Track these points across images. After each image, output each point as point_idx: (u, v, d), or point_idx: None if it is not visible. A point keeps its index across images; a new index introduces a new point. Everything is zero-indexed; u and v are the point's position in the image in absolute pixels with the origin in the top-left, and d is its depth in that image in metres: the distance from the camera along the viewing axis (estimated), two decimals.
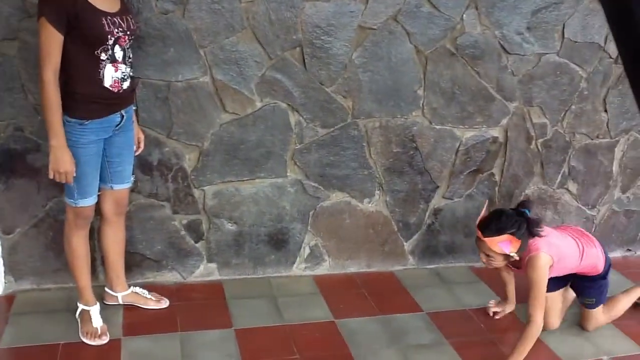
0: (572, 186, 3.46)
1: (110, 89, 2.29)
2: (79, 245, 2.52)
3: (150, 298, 2.81)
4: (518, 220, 2.49)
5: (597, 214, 3.56)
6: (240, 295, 2.96)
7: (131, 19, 2.32)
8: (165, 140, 2.77)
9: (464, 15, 2.94)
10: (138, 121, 2.64)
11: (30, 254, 2.79)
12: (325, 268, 3.21)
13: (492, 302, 2.96)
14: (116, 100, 2.35)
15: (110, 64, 2.26)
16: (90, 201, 2.44)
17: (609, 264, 2.76)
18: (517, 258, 2.52)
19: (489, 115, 3.17)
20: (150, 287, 2.86)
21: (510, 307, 2.94)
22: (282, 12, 2.70)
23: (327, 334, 2.71)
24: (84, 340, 2.53)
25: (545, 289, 2.51)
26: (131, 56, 2.35)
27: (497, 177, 3.31)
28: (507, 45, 3.05)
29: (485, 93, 3.12)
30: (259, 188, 2.97)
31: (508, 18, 3.00)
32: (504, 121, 3.20)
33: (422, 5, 2.87)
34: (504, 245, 2.47)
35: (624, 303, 2.92)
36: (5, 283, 2.80)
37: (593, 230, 3.55)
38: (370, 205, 3.16)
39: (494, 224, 2.50)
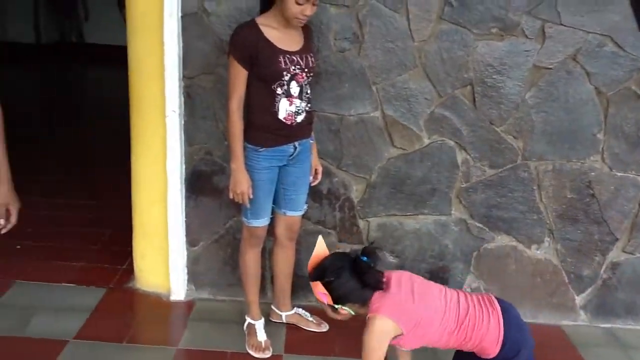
0: None
1: (284, 121, 2.49)
2: (250, 262, 2.74)
3: (312, 321, 2.94)
4: (340, 267, 2.06)
5: None
6: None
7: (311, 57, 2.51)
8: (335, 170, 2.93)
9: None
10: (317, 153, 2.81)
11: (210, 267, 3.09)
12: None
13: None
14: (289, 132, 2.53)
15: (285, 98, 2.46)
16: (261, 222, 2.65)
17: (512, 354, 2.04)
18: (351, 313, 2.11)
19: None
20: (313, 311, 3.00)
21: None
22: (454, 50, 2.76)
23: None
24: (250, 351, 2.72)
25: (376, 358, 2.01)
26: (309, 92, 2.54)
27: None
28: None
29: None
30: (422, 224, 3.00)
31: None
32: None
33: (604, 45, 2.75)
34: (321, 294, 2.06)
35: None
36: (187, 290, 3.12)
37: None
38: (538, 252, 3.02)
39: (316, 268, 2.13)
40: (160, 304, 3.09)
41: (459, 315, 2.06)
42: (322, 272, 2.09)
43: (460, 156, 2.91)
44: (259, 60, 2.39)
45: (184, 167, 2.95)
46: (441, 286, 2.17)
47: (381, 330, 2.01)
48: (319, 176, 2.80)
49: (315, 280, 2.08)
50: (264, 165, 2.54)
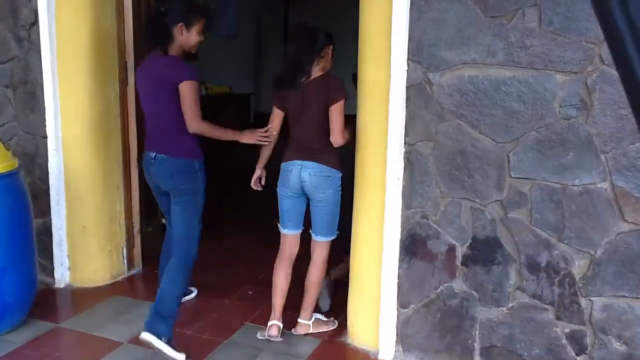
0: None
1: None
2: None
3: None
4: None
5: None
6: None
7: None
8: (555, 243, 2.78)
9: None
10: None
11: (418, 330, 3.09)
12: None
13: None
14: None
15: None
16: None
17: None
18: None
19: None
20: None
21: None
22: None
23: None
24: None
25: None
26: None
27: None
28: None
29: None
30: None
31: None
32: None
33: None
34: None
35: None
36: (395, 351, 3.15)
37: None
38: None
39: None
40: None
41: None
42: None
43: None
44: None
45: (400, 229, 3.04)
46: None
47: None
48: None
49: None
50: None
